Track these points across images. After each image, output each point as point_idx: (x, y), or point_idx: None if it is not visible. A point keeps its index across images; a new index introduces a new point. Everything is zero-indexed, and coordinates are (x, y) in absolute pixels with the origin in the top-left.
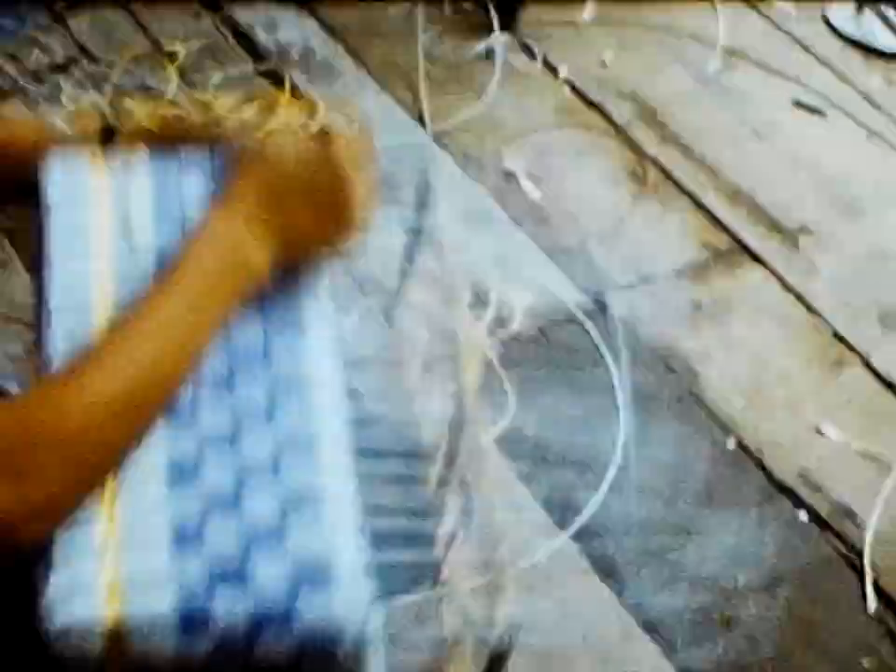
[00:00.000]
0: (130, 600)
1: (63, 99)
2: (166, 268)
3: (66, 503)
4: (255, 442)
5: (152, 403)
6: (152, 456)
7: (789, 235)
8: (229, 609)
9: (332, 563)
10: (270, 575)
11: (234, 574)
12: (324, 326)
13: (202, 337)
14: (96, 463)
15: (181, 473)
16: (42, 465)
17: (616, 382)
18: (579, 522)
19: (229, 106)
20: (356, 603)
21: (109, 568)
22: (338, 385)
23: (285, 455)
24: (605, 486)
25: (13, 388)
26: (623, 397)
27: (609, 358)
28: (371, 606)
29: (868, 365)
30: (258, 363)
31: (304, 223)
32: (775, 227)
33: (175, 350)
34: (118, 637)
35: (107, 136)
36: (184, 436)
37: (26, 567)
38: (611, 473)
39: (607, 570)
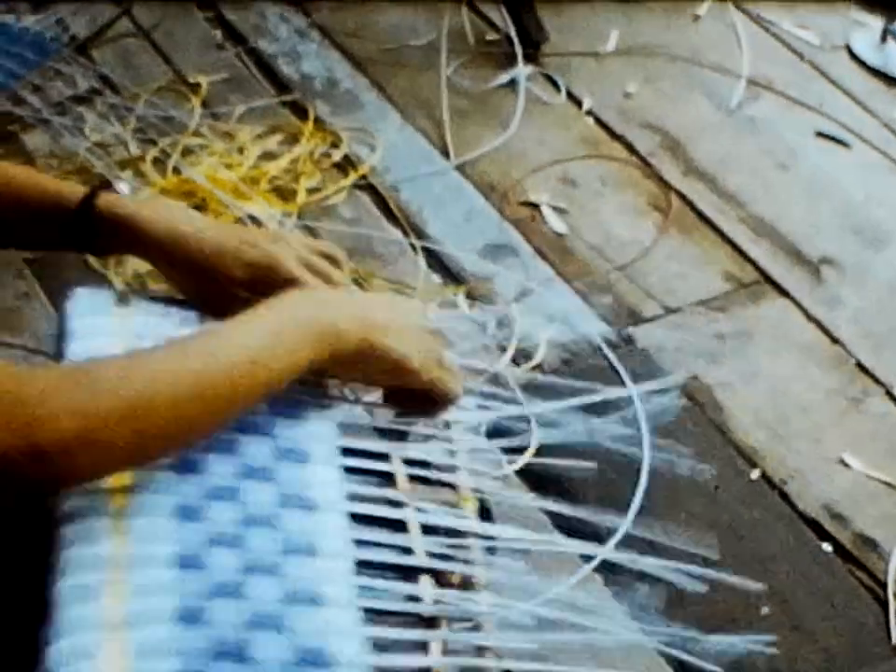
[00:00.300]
0: (134, 668)
1: (87, 130)
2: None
3: (79, 458)
4: (261, 544)
5: (186, 406)
6: (160, 545)
7: (812, 266)
8: None
9: (332, 648)
10: (270, 657)
11: (235, 653)
12: (331, 454)
13: (269, 365)
14: (112, 430)
15: (187, 562)
16: (53, 415)
17: (640, 413)
18: (602, 553)
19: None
20: None
21: (112, 638)
22: (342, 510)
23: (288, 561)
24: (629, 518)
25: None
26: (646, 429)
27: (632, 390)
28: None
29: (892, 396)
30: (264, 479)
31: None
32: (798, 257)
33: (232, 365)
34: None
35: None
36: (192, 528)
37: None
38: (635, 505)
39: (631, 602)
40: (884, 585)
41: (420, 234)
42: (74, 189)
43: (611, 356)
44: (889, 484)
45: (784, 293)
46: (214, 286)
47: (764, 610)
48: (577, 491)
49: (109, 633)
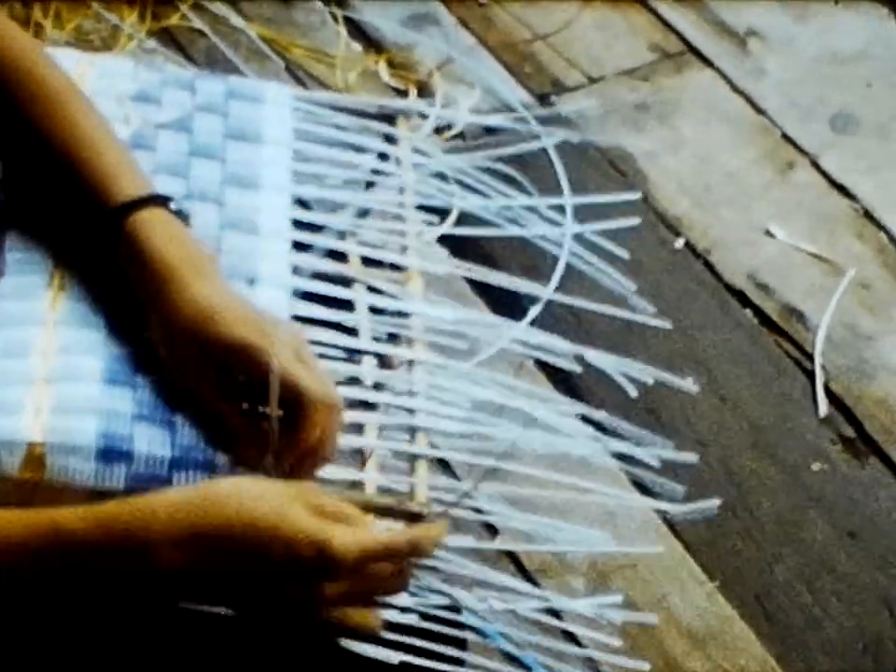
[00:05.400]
0: (53, 424)
1: None
2: None
3: None
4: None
5: None
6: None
7: (737, 37)
8: (150, 447)
9: None
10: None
11: (160, 418)
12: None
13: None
14: None
15: None
16: None
17: (563, 182)
18: (525, 321)
19: None
20: None
21: (39, 393)
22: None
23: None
24: (552, 285)
25: None
26: (569, 197)
27: (556, 159)
28: None
29: (818, 167)
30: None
31: None
32: (723, 28)
33: None
34: (36, 456)
35: None
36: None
37: None
38: (559, 273)
39: (555, 369)
40: (811, 357)
41: (341, 3)
42: (125, 186)
43: (535, 124)
44: (815, 256)
45: (709, 64)
46: (189, 349)
47: (690, 381)
48: (499, 261)
49: (35, 388)
